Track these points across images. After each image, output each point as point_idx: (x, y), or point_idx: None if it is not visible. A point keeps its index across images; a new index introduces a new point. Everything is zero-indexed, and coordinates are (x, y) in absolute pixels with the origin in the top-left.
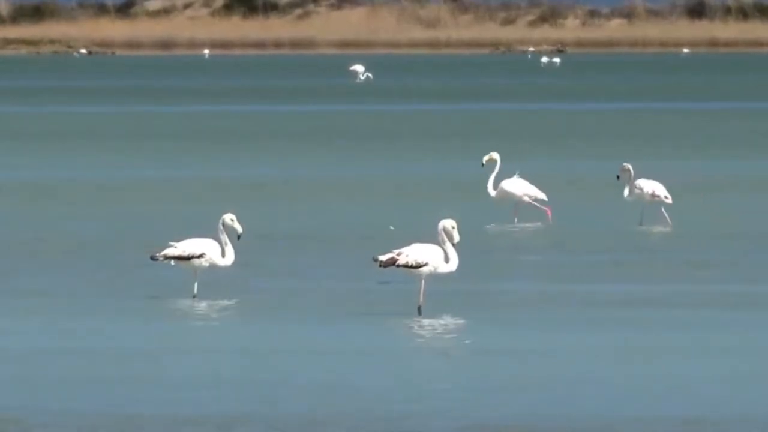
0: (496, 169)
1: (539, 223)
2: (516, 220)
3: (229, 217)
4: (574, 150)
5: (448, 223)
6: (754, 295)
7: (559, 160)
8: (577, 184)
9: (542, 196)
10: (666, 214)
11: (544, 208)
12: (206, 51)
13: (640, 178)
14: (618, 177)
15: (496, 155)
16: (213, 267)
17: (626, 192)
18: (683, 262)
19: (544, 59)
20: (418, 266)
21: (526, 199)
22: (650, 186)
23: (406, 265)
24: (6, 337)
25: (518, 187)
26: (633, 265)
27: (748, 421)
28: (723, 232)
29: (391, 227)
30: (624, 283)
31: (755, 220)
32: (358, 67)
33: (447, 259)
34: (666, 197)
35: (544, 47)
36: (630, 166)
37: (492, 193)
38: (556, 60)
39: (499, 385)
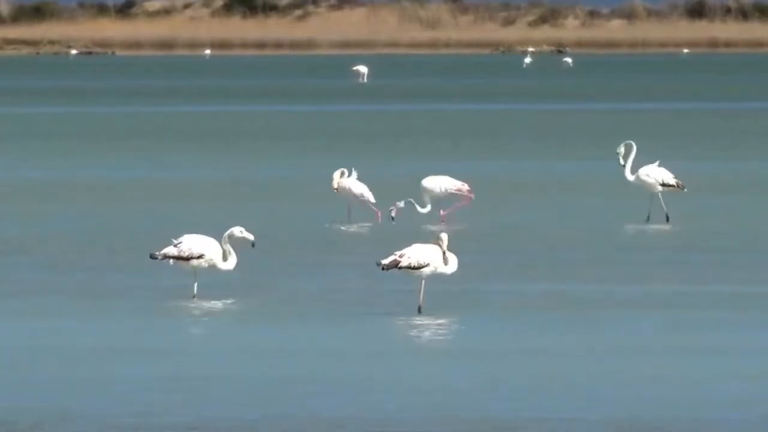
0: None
1: (532, 226)
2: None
3: (238, 230)
4: (573, 150)
5: (444, 237)
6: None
7: (560, 160)
8: (576, 185)
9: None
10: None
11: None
12: (207, 51)
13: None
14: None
15: (622, 147)
16: (213, 268)
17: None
18: (683, 262)
19: (527, 60)
20: (420, 267)
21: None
22: (659, 174)
23: (408, 267)
24: (5, 337)
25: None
26: (633, 266)
27: (749, 423)
28: (722, 232)
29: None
30: (624, 283)
31: (755, 220)
32: (361, 68)
33: (446, 262)
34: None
35: (544, 47)
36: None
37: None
38: (568, 60)
39: (499, 385)
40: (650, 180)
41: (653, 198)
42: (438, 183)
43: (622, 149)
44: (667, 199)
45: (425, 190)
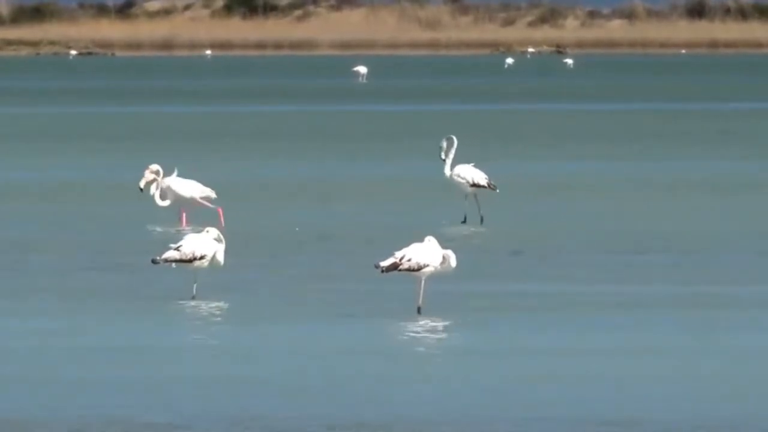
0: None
1: (536, 225)
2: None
3: (215, 233)
4: (573, 150)
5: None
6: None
7: (560, 160)
8: (576, 185)
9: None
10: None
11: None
12: (208, 51)
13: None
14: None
15: (445, 143)
16: (213, 267)
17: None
18: (683, 262)
19: (509, 60)
20: (420, 269)
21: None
22: (470, 174)
23: (408, 269)
24: (4, 337)
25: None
26: (632, 266)
27: (747, 424)
28: (722, 232)
29: (297, 228)
30: (623, 283)
31: (755, 220)
32: (361, 68)
33: (446, 259)
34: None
35: (544, 47)
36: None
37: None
38: (569, 61)
39: (499, 385)
40: (461, 180)
41: (468, 198)
42: (184, 187)
43: (444, 144)
44: (486, 198)
45: (170, 189)
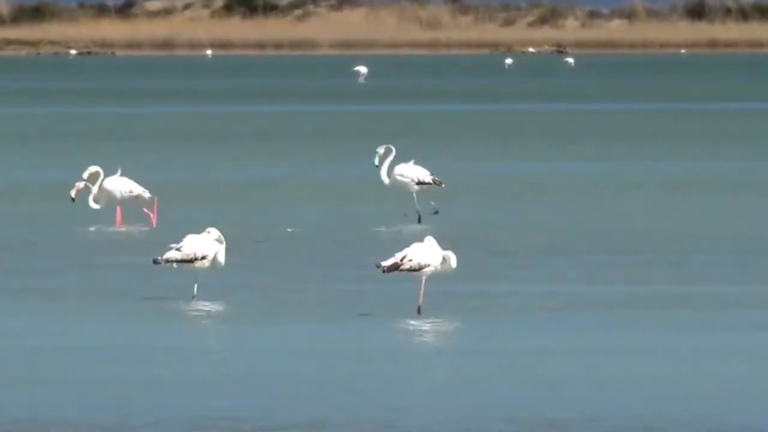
0: (390, 158)
1: (531, 226)
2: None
3: (216, 234)
4: (573, 151)
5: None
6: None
7: (559, 161)
8: (578, 185)
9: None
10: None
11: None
12: (209, 51)
13: (401, 163)
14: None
15: (383, 149)
16: (213, 266)
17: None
18: (683, 262)
19: (509, 60)
20: (421, 269)
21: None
22: (414, 172)
23: (410, 270)
24: (4, 336)
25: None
26: (631, 266)
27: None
28: (722, 232)
29: (289, 229)
30: (623, 283)
31: (754, 220)
32: (361, 68)
33: (446, 260)
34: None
35: (545, 47)
36: (389, 146)
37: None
38: (570, 60)
39: (499, 385)
40: (405, 179)
41: (415, 197)
42: (119, 185)
43: (381, 150)
44: (427, 196)
45: (103, 190)
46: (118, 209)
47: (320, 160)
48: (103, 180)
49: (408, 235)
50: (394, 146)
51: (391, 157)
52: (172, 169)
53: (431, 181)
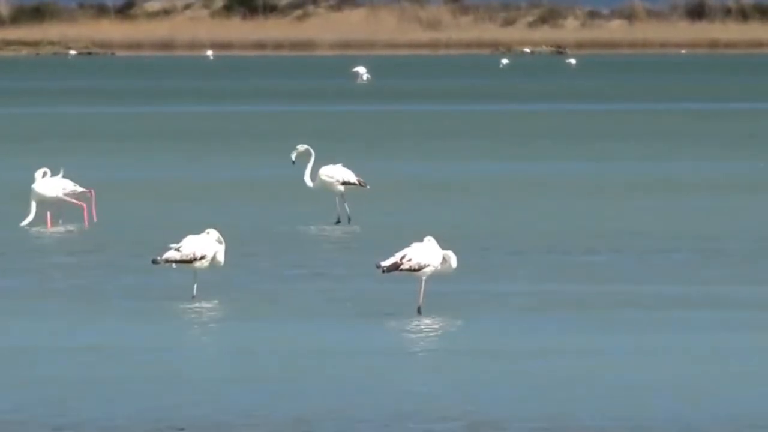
0: (312, 161)
1: (525, 226)
2: (347, 210)
3: (215, 235)
4: (573, 150)
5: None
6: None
7: (560, 160)
8: (577, 186)
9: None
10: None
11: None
12: (210, 52)
13: (327, 164)
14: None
15: (304, 147)
16: (213, 266)
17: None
18: (681, 263)
19: (504, 61)
20: (420, 269)
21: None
22: (339, 173)
23: (410, 269)
24: (4, 337)
25: (339, 172)
26: (631, 266)
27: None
28: (724, 232)
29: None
30: (622, 283)
31: (757, 220)
32: (361, 69)
33: (446, 260)
34: (362, 183)
35: (543, 48)
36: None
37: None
38: (572, 61)
39: (499, 386)
40: (331, 180)
41: (338, 198)
42: (50, 187)
43: (301, 148)
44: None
45: (34, 193)
46: (48, 212)
47: (320, 160)
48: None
49: (408, 235)
50: (394, 147)
51: (312, 160)
52: (172, 169)
53: (356, 182)
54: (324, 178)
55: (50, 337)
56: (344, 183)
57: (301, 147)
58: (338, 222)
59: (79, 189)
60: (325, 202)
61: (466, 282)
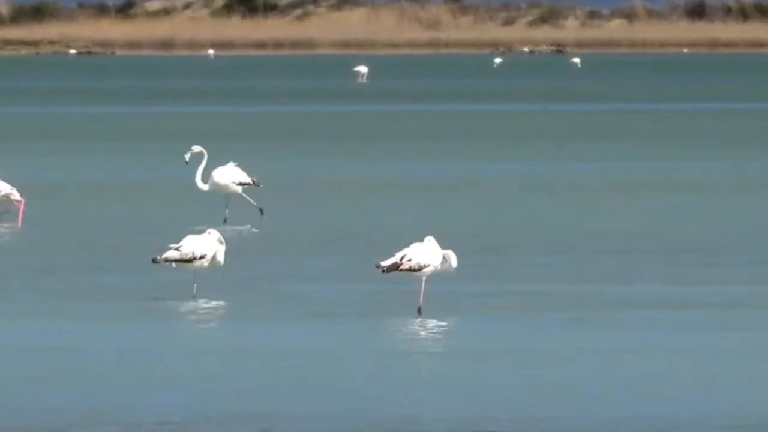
0: (204, 162)
1: (525, 226)
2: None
3: (216, 236)
4: (573, 150)
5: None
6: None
7: (558, 161)
8: (578, 186)
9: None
10: (253, 202)
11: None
12: (210, 51)
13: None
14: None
15: (198, 148)
16: (213, 266)
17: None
18: (683, 262)
19: (498, 60)
20: (421, 269)
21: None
22: (233, 174)
23: (409, 270)
24: (4, 337)
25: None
26: (633, 266)
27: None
28: (725, 232)
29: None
30: (622, 283)
31: (754, 220)
32: (362, 68)
33: (446, 260)
34: (256, 182)
35: (543, 47)
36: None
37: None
38: (576, 60)
39: (499, 386)
40: (225, 181)
41: (229, 199)
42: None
43: (195, 149)
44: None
45: (216, 184)
46: None
47: (320, 160)
48: None
49: (407, 234)
50: (401, 146)
51: (204, 162)
52: (171, 169)
53: (251, 182)
54: (217, 180)
55: (50, 337)
56: (240, 184)
57: (196, 148)
58: (225, 221)
59: (16, 194)
60: (325, 202)
61: (466, 282)
